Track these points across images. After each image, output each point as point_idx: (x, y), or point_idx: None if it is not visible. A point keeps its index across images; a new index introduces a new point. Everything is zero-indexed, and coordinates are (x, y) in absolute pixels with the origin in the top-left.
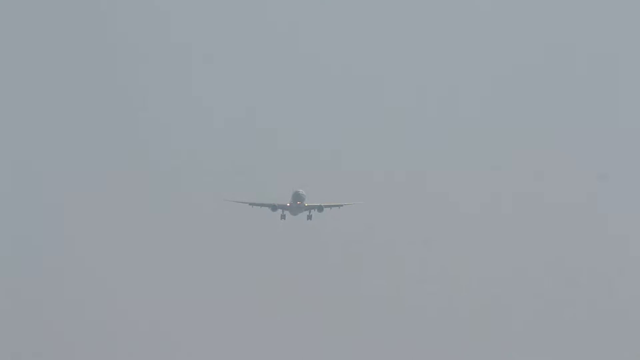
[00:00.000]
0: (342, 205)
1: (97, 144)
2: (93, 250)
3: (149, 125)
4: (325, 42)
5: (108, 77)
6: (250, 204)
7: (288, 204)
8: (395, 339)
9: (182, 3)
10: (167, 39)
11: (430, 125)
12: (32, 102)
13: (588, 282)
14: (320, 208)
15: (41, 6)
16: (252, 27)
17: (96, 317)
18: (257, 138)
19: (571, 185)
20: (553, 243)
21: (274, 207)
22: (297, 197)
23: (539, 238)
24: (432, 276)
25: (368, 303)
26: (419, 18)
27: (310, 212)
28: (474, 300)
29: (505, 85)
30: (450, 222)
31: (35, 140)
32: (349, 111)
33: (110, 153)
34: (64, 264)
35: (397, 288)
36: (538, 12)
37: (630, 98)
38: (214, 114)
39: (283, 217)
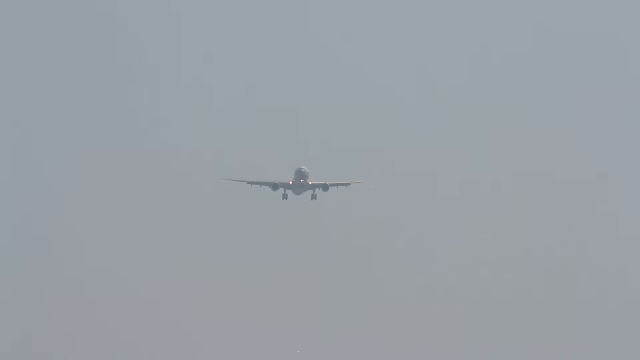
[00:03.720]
0: (349, 184)
1: (95, 123)
2: (91, 233)
3: (149, 107)
4: (327, 25)
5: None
6: (249, 182)
7: (290, 182)
8: (395, 328)
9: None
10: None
11: (424, 106)
12: (30, 91)
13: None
14: (325, 187)
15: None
16: (253, 9)
17: (98, 299)
18: (257, 118)
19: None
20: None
21: (275, 186)
22: (300, 174)
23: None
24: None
25: (374, 293)
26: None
27: (314, 191)
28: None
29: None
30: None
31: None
32: (343, 92)
33: (106, 133)
34: (65, 237)
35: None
36: None
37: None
38: (213, 94)
39: (285, 196)
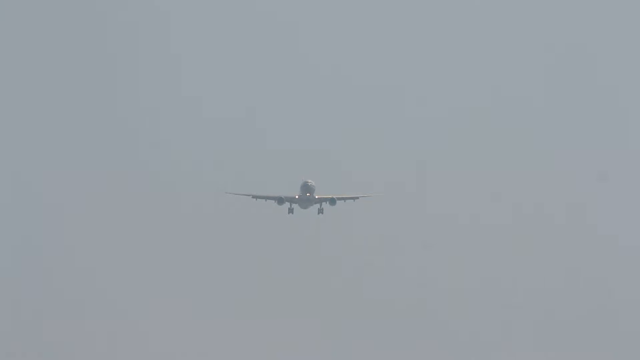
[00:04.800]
0: (357, 198)
1: (94, 144)
2: (94, 250)
3: (146, 123)
4: (323, 42)
5: (104, 78)
6: (253, 196)
7: (296, 196)
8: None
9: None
10: (165, 40)
11: (429, 125)
12: (29, 102)
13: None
14: (332, 201)
15: (38, 7)
16: (249, 26)
17: (100, 316)
18: (255, 137)
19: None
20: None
21: (280, 200)
22: (306, 188)
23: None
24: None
25: (383, 311)
26: (419, 19)
27: (321, 205)
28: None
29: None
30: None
31: (31, 139)
32: (348, 111)
33: (106, 153)
34: (64, 264)
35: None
36: (539, 14)
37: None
38: (209, 113)
39: (291, 211)
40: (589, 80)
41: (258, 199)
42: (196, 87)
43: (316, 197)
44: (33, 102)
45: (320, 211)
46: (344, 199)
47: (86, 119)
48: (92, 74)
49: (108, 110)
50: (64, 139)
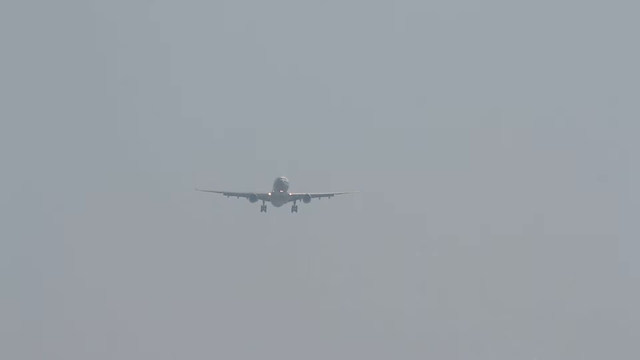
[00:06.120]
0: (332, 195)
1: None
2: (76, 252)
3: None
4: (318, 48)
5: (99, 87)
6: (225, 193)
7: (269, 194)
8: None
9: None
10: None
11: (429, 125)
12: (26, 114)
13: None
14: (306, 198)
15: (34, 13)
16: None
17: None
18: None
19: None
20: None
21: (252, 197)
22: (279, 184)
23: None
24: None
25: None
26: (420, 19)
27: (295, 202)
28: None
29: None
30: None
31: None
32: (347, 110)
33: (91, 159)
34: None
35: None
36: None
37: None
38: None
39: (264, 208)
40: (589, 80)
41: (230, 197)
42: (193, 107)
43: (290, 194)
44: (32, 111)
45: (294, 209)
46: (319, 196)
47: (86, 126)
48: (92, 86)
49: (107, 118)
50: (65, 140)
